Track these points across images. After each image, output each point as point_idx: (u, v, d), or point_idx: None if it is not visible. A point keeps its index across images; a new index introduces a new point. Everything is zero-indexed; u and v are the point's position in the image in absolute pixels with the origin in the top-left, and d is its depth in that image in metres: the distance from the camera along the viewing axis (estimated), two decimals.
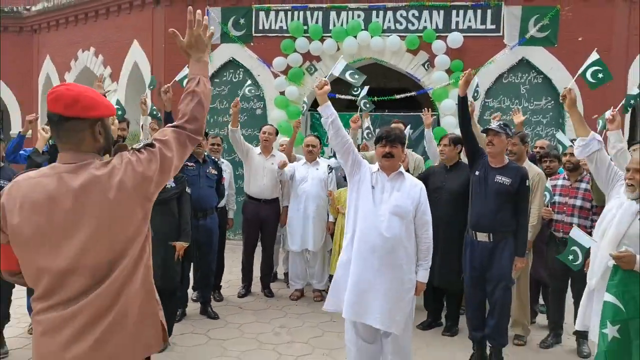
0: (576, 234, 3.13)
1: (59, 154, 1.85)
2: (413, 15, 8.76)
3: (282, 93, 9.11)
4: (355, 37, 8.78)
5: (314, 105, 9.22)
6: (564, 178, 4.73)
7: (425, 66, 8.76)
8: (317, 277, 6.16)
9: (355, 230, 3.49)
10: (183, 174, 4.62)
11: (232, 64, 9.44)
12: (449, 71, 8.61)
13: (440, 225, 4.75)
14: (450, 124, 8.45)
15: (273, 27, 9.20)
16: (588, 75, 3.48)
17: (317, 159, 6.11)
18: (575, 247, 3.14)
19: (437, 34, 8.61)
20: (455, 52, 8.57)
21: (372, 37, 8.75)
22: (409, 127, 6.51)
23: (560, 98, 3.44)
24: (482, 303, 4.21)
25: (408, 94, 8.95)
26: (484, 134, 4.27)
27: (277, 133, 6.46)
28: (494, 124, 4.21)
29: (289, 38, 9.06)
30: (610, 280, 2.82)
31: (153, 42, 9.72)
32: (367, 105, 5.23)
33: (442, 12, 8.67)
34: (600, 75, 3.44)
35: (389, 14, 8.82)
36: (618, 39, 8.32)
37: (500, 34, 8.53)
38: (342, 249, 3.65)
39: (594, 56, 3.64)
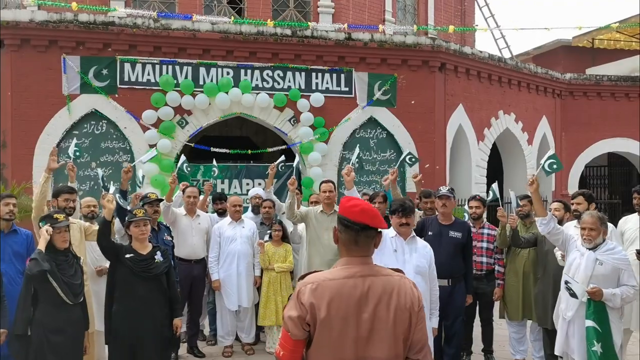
0: (572, 283, 4.21)
1: (346, 257, 2.16)
2: (278, 75, 9.58)
3: (153, 146, 8.98)
4: (227, 93, 9.20)
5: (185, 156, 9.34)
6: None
7: (291, 122, 9.62)
8: (247, 331, 6.41)
9: None
10: (163, 246, 4.64)
11: (94, 116, 8.95)
12: (312, 127, 9.61)
13: None
14: (317, 174, 9.42)
15: (140, 80, 9.05)
16: (546, 166, 4.64)
17: (242, 216, 6.42)
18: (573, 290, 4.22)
19: (301, 93, 9.57)
20: (318, 110, 9.64)
21: (242, 93, 9.28)
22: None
23: (528, 184, 4.53)
24: (440, 337, 5.15)
25: (282, 147, 9.66)
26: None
27: (200, 193, 6.57)
28: (444, 190, 5.24)
29: (158, 91, 9.02)
30: (587, 310, 3.97)
31: None
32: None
33: (303, 73, 9.68)
34: (555, 166, 4.65)
35: (257, 72, 9.49)
36: (438, 101, 10.38)
37: (353, 95, 9.89)
38: None
39: (551, 152, 4.87)
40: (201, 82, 9.23)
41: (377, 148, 10.11)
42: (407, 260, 4.17)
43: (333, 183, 6.38)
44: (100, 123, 8.99)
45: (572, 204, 5.24)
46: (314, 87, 9.71)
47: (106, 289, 4.42)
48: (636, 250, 4.95)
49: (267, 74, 9.54)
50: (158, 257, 4.30)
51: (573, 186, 13.91)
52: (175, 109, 9.09)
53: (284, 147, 9.78)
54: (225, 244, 6.16)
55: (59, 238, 3.91)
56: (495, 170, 12.74)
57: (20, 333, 3.74)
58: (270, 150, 9.66)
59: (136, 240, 4.35)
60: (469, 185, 11.14)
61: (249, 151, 9.33)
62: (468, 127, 11.11)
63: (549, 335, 5.50)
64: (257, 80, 9.49)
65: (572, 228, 5.05)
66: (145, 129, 9.00)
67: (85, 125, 8.94)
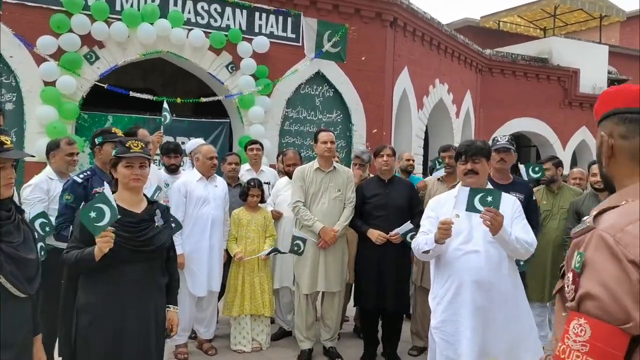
0: None
1: None
2: (216, 10, 7.86)
3: (51, 84, 6.83)
4: (152, 24, 7.30)
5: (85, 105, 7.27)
6: None
7: (229, 68, 7.97)
8: (208, 323, 4.89)
9: (450, 276, 3.05)
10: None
11: None
12: (254, 76, 8.06)
13: (388, 246, 4.48)
14: (258, 133, 7.93)
15: None
16: (530, 172, 3.80)
17: (214, 174, 4.84)
18: None
19: (243, 35, 7.97)
20: (261, 57, 8.10)
21: (172, 27, 7.44)
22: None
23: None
24: None
25: (215, 98, 7.96)
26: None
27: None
28: (502, 141, 4.16)
29: (61, 12, 6.85)
30: None
31: None
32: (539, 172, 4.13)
33: (245, 12, 8.05)
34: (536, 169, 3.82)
35: (189, 4, 7.68)
36: (388, 61, 9.37)
37: (300, 44, 8.49)
38: (438, 305, 3.09)
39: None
40: (118, 8, 7.21)
41: (323, 108, 8.85)
42: (474, 225, 3.03)
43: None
44: None
45: None
46: (256, 30, 8.14)
47: (66, 273, 2.73)
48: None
49: (202, 7, 7.77)
50: (158, 218, 2.70)
51: None
52: (83, 38, 6.98)
53: (218, 97, 8.10)
54: (195, 206, 4.58)
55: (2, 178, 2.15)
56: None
57: None
58: (204, 100, 7.92)
59: (127, 190, 2.71)
60: None
61: (179, 99, 7.51)
62: (411, 93, 10.27)
63: None
64: (189, 13, 7.68)
65: None
66: (40, 60, 6.79)
67: None
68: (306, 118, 8.61)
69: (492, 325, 3.00)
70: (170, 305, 2.91)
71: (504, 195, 3.07)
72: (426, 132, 12.49)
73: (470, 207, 2.83)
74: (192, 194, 4.60)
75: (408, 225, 4.44)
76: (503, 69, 14.16)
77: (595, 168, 4.78)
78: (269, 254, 4.71)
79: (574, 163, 15.55)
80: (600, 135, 1.37)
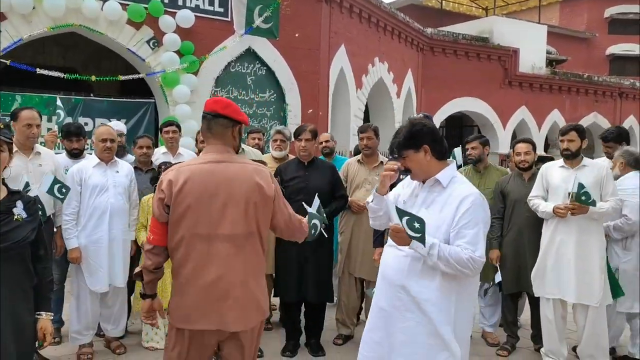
0: None
1: (207, 146, 2.44)
2: None
3: None
4: None
5: None
6: None
7: (151, 44, 7.43)
8: (115, 320, 4.49)
9: None
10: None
11: None
12: (178, 53, 7.56)
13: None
14: (184, 114, 7.47)
15: None
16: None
17: (115, 158, 4.41)
18: None
19: (165, 9, 7.44)
20: (185, 32, 7.60)
21: None
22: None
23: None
24: None
25: (135, 76, 7.41)
26: None
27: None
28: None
29: None
30: None
31: None
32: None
33: None
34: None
35: None
36: (324, 38, 9.02)
37: (229, 19, 8.02)
38: None
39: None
40: None
41: (255, 87, 8.44)
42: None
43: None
44: None
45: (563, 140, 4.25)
46: (180, 3, 7.62)
47: None
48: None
49: None
50: (19, 210, 2.33)
51: None
52: None
53: (140, 75, 7.56)
54: (91, 195, 4.15)
55: None
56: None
57: None
58: (122, 78, 7.36)
59: None
60: (347, 136, 10.09)
61: (93, 77, 6.95)
62: (349, 72, 9.98)
63: (513, 300, 4.67)
64: None
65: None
66: None
67: None
68: (237, 98, 8.18)
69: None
70: (42, 312, 2.55)
71: (446, 198, 2.55)
72: (367, 112, 12.29)
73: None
74: (88, 182, 4.17)
75: (316, 200, 4.12)
76: (444, 48, 14.07)
77: (519, 147, 4.63)
78: None
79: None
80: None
